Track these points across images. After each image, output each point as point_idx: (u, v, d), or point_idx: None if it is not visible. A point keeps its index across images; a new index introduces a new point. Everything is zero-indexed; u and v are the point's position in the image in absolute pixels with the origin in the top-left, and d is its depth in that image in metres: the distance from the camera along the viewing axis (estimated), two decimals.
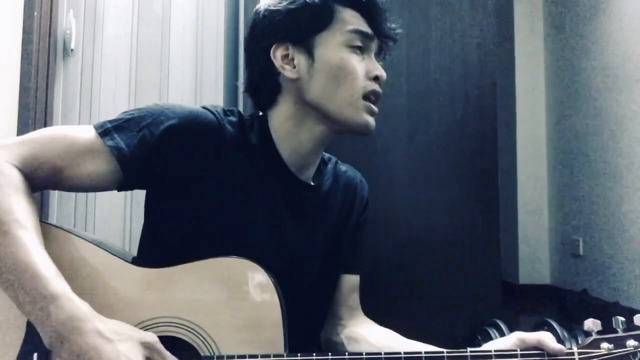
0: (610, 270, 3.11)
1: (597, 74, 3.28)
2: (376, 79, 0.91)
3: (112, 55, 1.87)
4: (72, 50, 1.82)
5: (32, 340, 0.74)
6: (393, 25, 0.95)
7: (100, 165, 0.81)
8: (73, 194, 1.76)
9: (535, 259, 3.89)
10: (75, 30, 1.82)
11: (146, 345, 0.72)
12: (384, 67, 0.94)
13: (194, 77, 1.94)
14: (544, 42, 3.98)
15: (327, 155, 1.06)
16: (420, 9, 1.72)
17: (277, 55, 0.90)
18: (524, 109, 3.98)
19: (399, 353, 0.77)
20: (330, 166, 1.04)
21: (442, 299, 1.64)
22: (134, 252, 0.93)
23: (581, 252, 3.43)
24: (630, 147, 2.94)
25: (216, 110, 0.89)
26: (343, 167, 1.07)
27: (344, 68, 0.88)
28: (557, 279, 3.77)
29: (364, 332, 0.99)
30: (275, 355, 0.76)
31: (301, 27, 0.90)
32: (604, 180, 3.18)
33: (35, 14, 1.67)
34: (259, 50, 0.93)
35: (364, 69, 0.90)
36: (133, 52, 1.89)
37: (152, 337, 0.73)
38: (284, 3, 0.91)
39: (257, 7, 0.95)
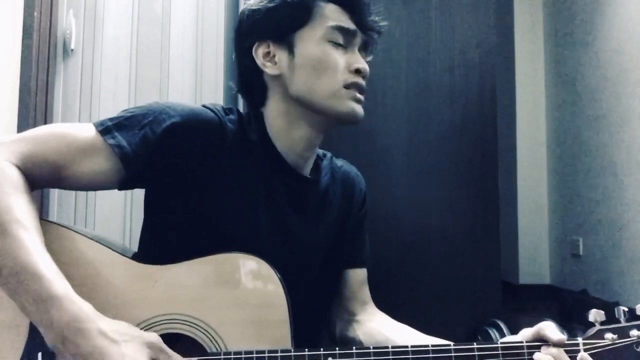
0: (610, 270, 3.11)
1: (597, 74, 3.28)
2: (358, 72, 0.91)
3: (112, 55, 1.87)
4: (72, 50, 1.82)
5: (35, 340, 0.73)
6: (377, 18, 0.95)
7: (101, 164, 0.81)
8: (73, 193, 1.76)
9: (535, 259, 3.89)
10: (75, 30, 1.81)
11: (150, 346, 0.72)
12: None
13: (194, 77, 1.94)
14: (544, 42, 3.98)
15: (321, 151, 1.06)
16: (420, 9, 1.72)
17: (258, 53, 0.92)
18: (524, 109, 3.97)
19: (407, 346, 0.77)
20: (326, 162, 1.05)
21: (442, 298, 1.64)
22: (135, 250, 0.93)
23: (581, 252, 3.42)
24: (630, 146, 2.94)
25: (216, 109, 0.89)
26: (339, 162, 1.08)
27: (324, 61, 0.89)
28: (557, 279, 3.77)
29: (381, 329, 0.99)
30: (282, 351, 0.76)
31: (280, 25, 0.91)
32: (604, 180, 3.18)
33: (35, 14, 1.67)
34: (244, 50, 0.94)
35: (345, 62, 0.90)
36: (133, 52, 1.89)
37: (155, 337, 0.73)
38: (264, 2, 0.92)
39: (242, 8, 0.97)
